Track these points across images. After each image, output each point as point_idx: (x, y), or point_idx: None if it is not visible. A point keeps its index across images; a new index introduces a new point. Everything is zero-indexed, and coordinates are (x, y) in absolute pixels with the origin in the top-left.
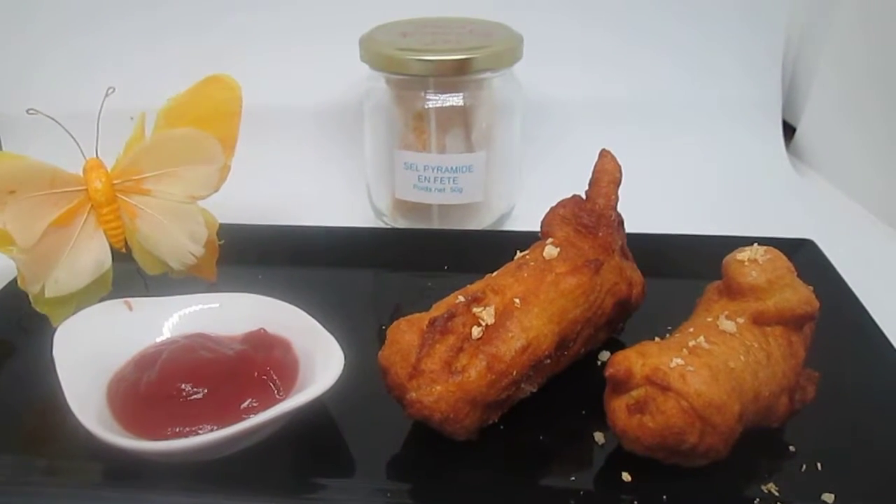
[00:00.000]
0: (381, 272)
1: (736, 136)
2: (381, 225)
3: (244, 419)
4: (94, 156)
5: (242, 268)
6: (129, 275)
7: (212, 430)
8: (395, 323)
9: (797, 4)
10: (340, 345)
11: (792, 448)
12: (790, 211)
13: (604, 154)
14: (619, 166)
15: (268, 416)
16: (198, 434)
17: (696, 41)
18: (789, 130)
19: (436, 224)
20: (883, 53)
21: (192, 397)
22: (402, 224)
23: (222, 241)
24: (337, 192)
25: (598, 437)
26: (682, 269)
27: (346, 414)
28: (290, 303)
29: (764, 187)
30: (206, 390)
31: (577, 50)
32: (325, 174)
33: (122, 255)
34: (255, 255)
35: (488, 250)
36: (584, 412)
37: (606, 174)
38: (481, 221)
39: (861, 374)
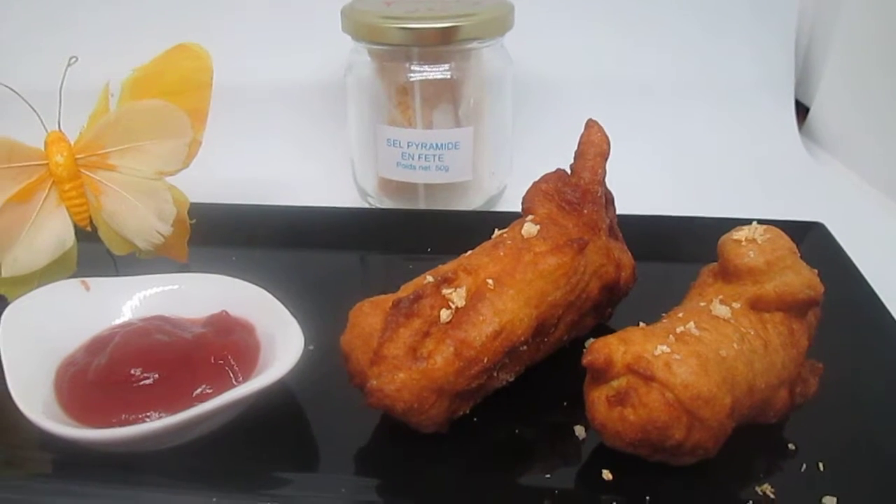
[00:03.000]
0: (360, 254)
1: (746, 117)
2: (365, 206)
3: (196, 406)
4: (57, 129)
5: (216, 249)
6: (99, 255)
7: (160, 418)
8: (357, 305)
9: None
10: (311, 329)
11: (791, 446)
12: (801, 194)
13: (590, 124)
14: (607, 138)
15: (218, 403)
16: (144, 422)
17: (706, 18)
18: (802, 111)
19: (422, 205)
20: None
21: (142, 383)
22: (387, 205)
23: (194, 221)
24: (321, 172)
25: (579, 431)
26: (680, 253)
27: (313, 403)
28: (264, 285)
29: (775, 170)
30: (157, 375)
31: (579, 26)
32: (309, 153)
33: (92, 235)
34: (230, 236)
35: (475, 232)
36: (565, 404)
37: (593, 146)
38: (470, 202)
39: (870, 367)
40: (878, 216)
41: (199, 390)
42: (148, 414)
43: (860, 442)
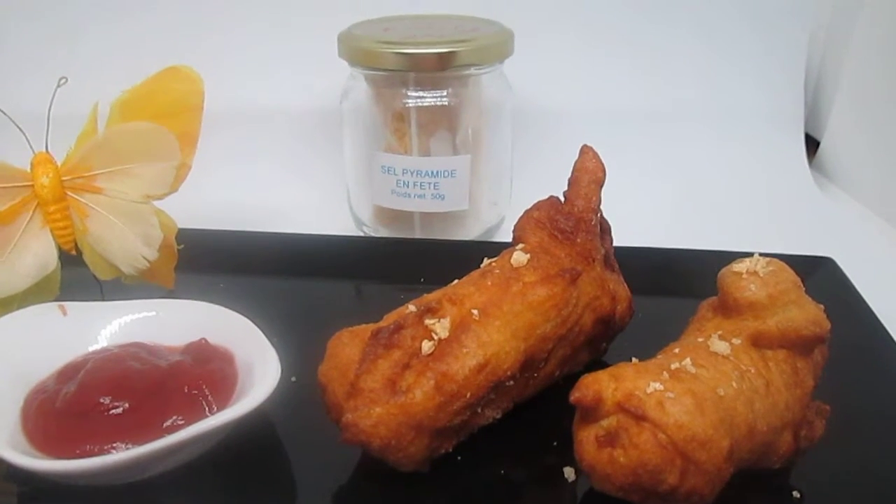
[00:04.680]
0: (353, 283)
1: (754, 150)
2: (360, 234)
3: (164, 437)
4: (44, 150)
5: (204, 276)
6: (85, 280)
7: (126, 449)
8: (336, 334)
9: (821, 12)
10: (295, 360)
11: (796, 494)
12: (811, 229)
13: (585, 150)
14: (602, 164)
15: (187, 435)
16: (108, 453)
17: (715, 49)
18: (813, 145)
19: (418, 235)
20: None
21: (111, 412)
22: (383, 234)
23: (182, 246)
24: (316, 200)
25: (569, 473)
26: (681, 287)
27: (293, 437)
28: (252, 314)
29: (784, 204)
30: (126, 405)
31: (585, 55)
32: (305, 180)
33: (79, 259)
34: (219, 263)
35: (470, 262)
36: (555, 444)
37: (587, 173)
38: (468, 233)
39: (880, 409)
40: (889, 252)
41: (169, 421)
42: (114, 445)
43: (869, 491)
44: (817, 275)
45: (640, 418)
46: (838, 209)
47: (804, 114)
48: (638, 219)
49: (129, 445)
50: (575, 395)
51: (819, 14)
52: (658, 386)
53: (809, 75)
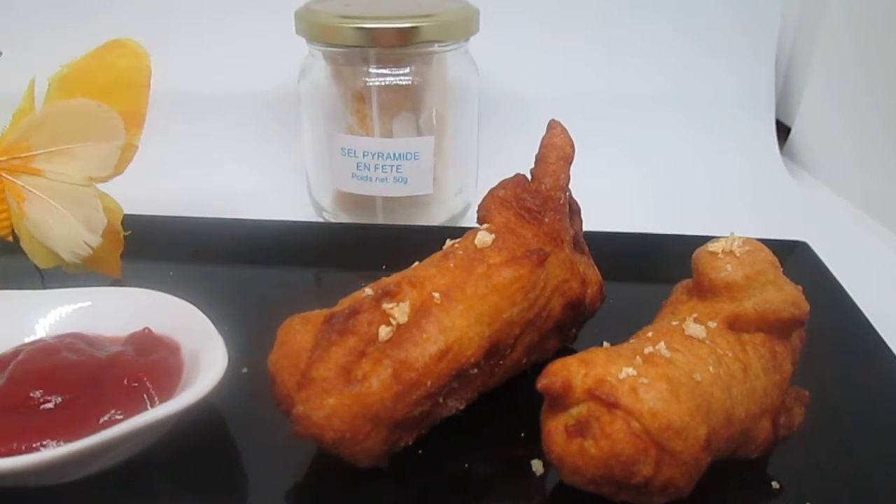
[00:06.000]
0: (311, 271)
1: (725, 136)
2: (320, 220)
3: (99, 433)
4: None
5: (154, 264)
6: (25, 269)
7: (58, 446)
8: (287, 320)
9: (791, 2)
10: (248, 351)
11: (775, 484)
12: (783, 214)
13: (553, 125)
14: (571, 140)
15: (123, 430)
16: (38, 451)
17: (686, 33)
18: (784, 131)
19: (380, 221)
20: (878, 51)
21: (42, 407)
22: (343, 220)
23: (129, 233)
24: (273, 185)
25: (537, 466)
26: (653, 272)
27: (244, 432)
28: (203, 304)
29: (756, 190)
30: (59, 399)
31: (554, 41)
32: (262, 164)
33: (16, 246)
34: (169, 251)
35: (435, 249)
36: (522, 435)
37: (555, 149)
38: (432, 219)
39: (859, 395)
40: (860, 235)
41: (107, 416)
42: (44, 442)
43: (850, 479)
44: (792, 259)
45: (611, 406)
46: (809, 194)
47: (775, 101)
48: (607, 204)
49: (62, 442)
50: (542, 382)
51: (789, 4)
52: (631, 371)
53: (780, 63)
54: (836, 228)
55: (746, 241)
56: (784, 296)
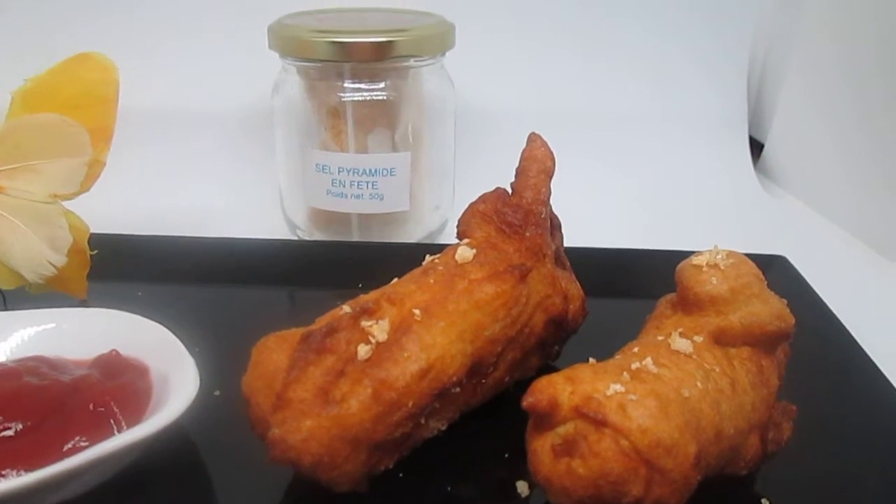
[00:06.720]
0: (285, 290)
1: (699, 153)
2: (293, 238)
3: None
4: None
5: (122, 284)
6: None
7: (18, 476)
8: (262, 340)
9: (764, 14)
10: (221, 373)
11: (764, 501)
12: (759, 230)
13: (533, 139)
14: (552, 153)
15: (89, 457)
16: None
17: (657, 50)
18: (757, 147)
19: (356, 238)
20: (853, 65)
21: (3, 434)
22: (318, 238)
23: (95, 252)
24: (246, 202)
25: (522, 487)
26: (635, 287)
27: (216, 456)
28: (172, 325)
29: (730, 206)
30: (21, 426)
31: (530, 57)
32: (234, 181)
33: None
34: (137, 271)
35: (412, 266)
36: (506, 456)
37: (536, 162)
38: (409, 237)
39: (846, 408)
40: (835, 249)
41: (71, 443)
42: (3, 472)
43: (839, 492)
44: (771, 273)
45: (599, 424)
46: (784, 209)
47: (748, 118)
48: (584, 220)
49: (23, 472)
50: (528, 400)
51: (761, 21)
52: (619, 388)
53: (751, 81)
54: (811, 243)
55: (730, 253)
56: (770, 309)
